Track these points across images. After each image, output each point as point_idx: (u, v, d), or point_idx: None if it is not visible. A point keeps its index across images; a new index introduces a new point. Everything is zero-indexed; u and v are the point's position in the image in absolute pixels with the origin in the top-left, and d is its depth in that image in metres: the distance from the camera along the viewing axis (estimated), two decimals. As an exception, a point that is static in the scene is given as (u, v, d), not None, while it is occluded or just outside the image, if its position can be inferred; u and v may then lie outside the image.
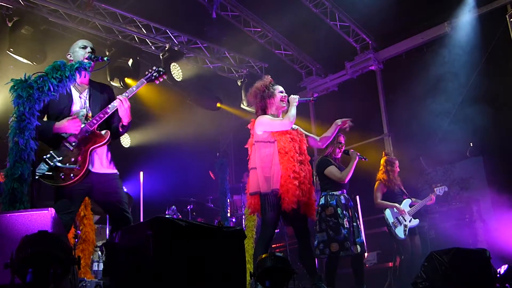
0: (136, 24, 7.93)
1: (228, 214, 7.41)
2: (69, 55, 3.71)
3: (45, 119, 3.54)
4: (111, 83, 7.70)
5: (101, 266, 5.64)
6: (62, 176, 3.36)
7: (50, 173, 3.35)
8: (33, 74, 3.33)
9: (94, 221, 6.39)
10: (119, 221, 3.52)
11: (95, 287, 4.44)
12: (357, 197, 6.82)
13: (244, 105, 9.17)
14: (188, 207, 8.19)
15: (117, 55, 7.81)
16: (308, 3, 8.05)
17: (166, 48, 8.20)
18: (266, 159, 4.15)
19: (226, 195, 7.28)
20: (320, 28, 8.48)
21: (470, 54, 7.45)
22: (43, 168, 3.33)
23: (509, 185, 6.73)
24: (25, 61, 6.67)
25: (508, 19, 7.00)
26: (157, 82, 3.81)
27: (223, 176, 7.39)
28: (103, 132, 3.55)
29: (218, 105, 9.34)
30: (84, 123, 3.50)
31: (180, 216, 7.53)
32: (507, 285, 3.62)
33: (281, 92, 4.39)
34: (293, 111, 4.23)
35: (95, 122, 3.50)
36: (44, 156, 3.37)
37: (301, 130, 4.50)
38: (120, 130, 3.66)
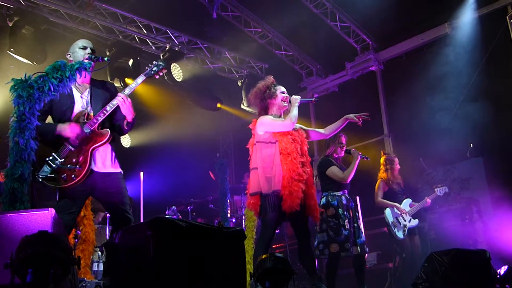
0: (136, 24, 7.93)
1: (228, 215, 7.41)
2: (68, 55, 3.72)
3: (48, 120, 3.54)
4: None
5: (101, 266, 5.64)
6: (64, 177, 3.36)
7: (53, 175, 3.35)
8: (34, 74, 3.33)
9: (99, 220, 6.41)
10: (120, 222, 3.52)
11: None
12: (357, 197, 6.82)
13: (244, 106, 9.17)
14: (188, 208, 8.19)
15: (118, 55, 7.82)
16: (308, 4, 8.05)
17: (167, 48, 8.20)
18: (267, 160, 4.14)
19: (226, 196, 7.28)
20: (320, 29, 8.47)
21: (470, 55, 7.45)
22: (46, 170, 3.33)
23: (509, 185, 6.73)
24: (25, 61, 6.67)
25: (508, 20, 7.00)
26: (157, 76, 3.81)
27: (223, 177, 7.39)
28: (103, 131, 3.55)
29: (218, 105, 9.34)
30: (85, 123, 3.50)
31: (180, 217, 7.53)
32: (507, 286, 3.62)
33: (283, 92, 4.38)
34: (294, 111, 4.21)
35: (96, 121, 3.50)
36: (47, 159, 3.37)
37: (302, 127, 4.49)
38: (125, 127, 3.67)
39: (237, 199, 8.70)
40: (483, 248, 3.82)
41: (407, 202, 6.08)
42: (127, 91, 3.61)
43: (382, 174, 6.15)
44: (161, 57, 8.17)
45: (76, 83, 3.57)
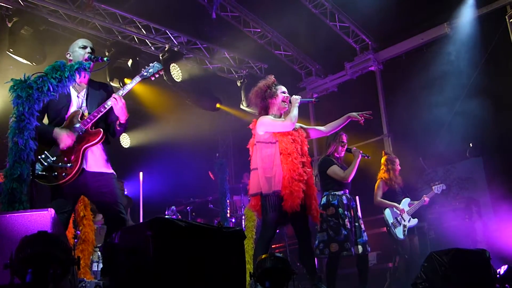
0: (135, 24, 7.92)
1: (228, 215, 7.40)
2: (68, 55, 3.72)
3: (45, 119, 3.54)
4: (111, 83, 7.69)
5: (101, 266, 5.64)
6: (55, 175, 3.37)
7: (44, 172, 3.36)
8: (33, 74, 3.33)
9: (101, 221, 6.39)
10: (114, 222, 3.51)
11: (94, 288, 4.43)
12: (357, 197, 6.81)
13: (243, 106, 9.17)
14: (188, 208, 8.19)
15: (117, 55, 7.81)
16: (307, 4, 8.05)
17: (166, 49, 8.20)
18: (267, 160, 4.14)
19: (225, 196, 7.26)
20: (319, 29, 8.47)
21: (470, 55, 7.46)
22: (37, 168, 3.34)
23: (509, 185, 6.73)
24: (24, 61, 6.67)
25: (507, 20, 7.00)
26: (153, 78, 3.79)
27: (223, 177, 7.37)
28: (96, 130, 3.55)
29: (218, 105, 9.33)
30: (79, 122, 3.50)
31: (179, 217, 7.53)
32: (506, 285, 3.62)
33: (284, 92, 4.38)
34: (295, 111, 4.21)
35: (89, 121, 3.51)
36: (39, 156, 3.37)
37: (302, 125, 4.49)
38: (118, 128, 3.66)
39: (237, 199, 8.69)
40: (483, 248, 3.81)
41: (406, 201, 6.08)
42: (122, 92, 3.61)
43: (382, 174, 6.15)
44: (160, 57, 8.17)
45: (75, 83, 3.57)
